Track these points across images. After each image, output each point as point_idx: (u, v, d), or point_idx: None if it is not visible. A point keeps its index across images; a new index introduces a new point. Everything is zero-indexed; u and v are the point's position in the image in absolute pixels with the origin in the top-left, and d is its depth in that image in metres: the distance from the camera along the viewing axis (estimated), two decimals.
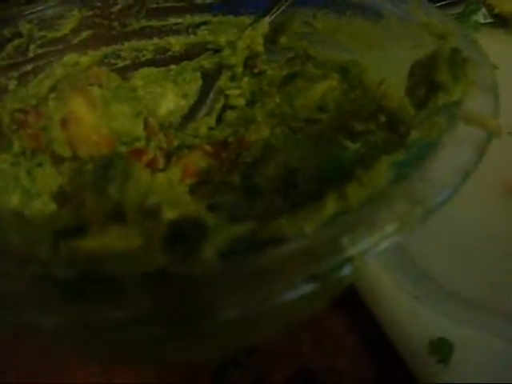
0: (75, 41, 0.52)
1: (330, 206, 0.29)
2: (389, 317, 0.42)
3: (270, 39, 0.51)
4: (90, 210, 0.31)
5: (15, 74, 0.49)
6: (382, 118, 0.37)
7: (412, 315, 0.41)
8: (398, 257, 0.44)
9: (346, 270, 0.27)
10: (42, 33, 0.50)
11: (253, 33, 0.50)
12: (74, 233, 0.30)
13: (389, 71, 0.45)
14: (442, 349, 0.39)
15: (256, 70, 0.51)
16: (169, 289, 0.26)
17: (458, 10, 0.71)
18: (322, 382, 0.41)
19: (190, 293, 0.26)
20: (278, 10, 0.50)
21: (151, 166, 0.42)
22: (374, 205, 0.28)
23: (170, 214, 0.30)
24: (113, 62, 0.53)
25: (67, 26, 0.51)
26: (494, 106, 0.33)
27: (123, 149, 0.43)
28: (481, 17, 0.70)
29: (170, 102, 0.51)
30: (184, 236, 0.29)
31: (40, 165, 0.43)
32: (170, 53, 0.54)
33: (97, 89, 0.44)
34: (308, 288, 0.26)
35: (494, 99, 0.34)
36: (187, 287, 0.26)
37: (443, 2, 0.71)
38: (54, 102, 0.44)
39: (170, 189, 0.36)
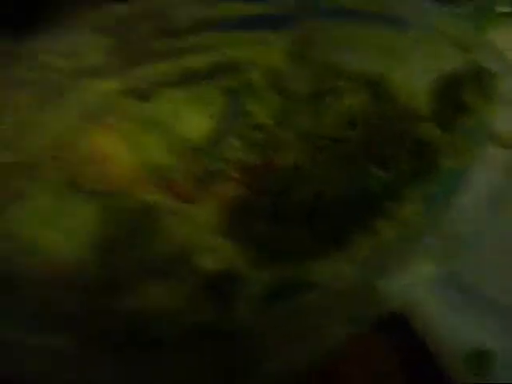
0: (99, 67, 0.52)
1: (364, 245, 0.28)
2: (428, 329, 0.41)
3: (294, 54, 0.51)
4: (126, 267, 0.31)
5: (41, 105, 0.49)
6: (411, 144, 0.36)
7: (452, 327, 0.40)
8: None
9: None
10: (67, 62, 0.50)
11: (275, 48, 0.49)
12: (109, 292, 0.30)
13: (417, 84, 0.44)
14: (483, 361, 0.39)
15: (280, 87, 0.50)
16: (211, 345, 0.26)
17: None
18: None
19: (232, 347, 0.26)
20: (300, 24, 0.50)
21: (183, 196, 0.42)
22: (407, 241, 0.28)
23: (205, 264, 0.30)
24: (135, 85, 0.53)
25: (91, 54, 0.51)
26: None
27: (155, 181, 0.43)
28: (505, 6, 0.68)
29: (195, 123, 0.51)
30: (222, 289, 0.29)
31: (72, 201, 0.43)
32: (191, 72, 0.54)
33: (124, 121, 0.44)
34: (344, 332, 0.26)
35: None
36: (228, 342, 0.26)
37: None
38: (83, 139, 0.44)
39: (200, 227, 0.37)
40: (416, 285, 0.27)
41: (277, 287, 0.28)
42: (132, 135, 0.44)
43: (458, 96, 0.35)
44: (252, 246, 0.34)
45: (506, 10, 0.68)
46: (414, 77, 0.44)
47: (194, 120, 0.51)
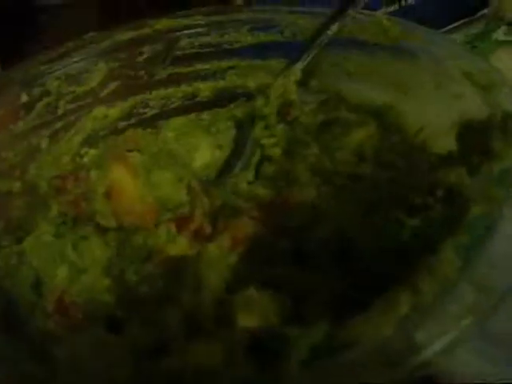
0: (103, 93, 0.51)
1: (404, 302, 0.28)
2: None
3: (301, 82, 0.51)
4: (171, 325, 0.30)
5: (46, 132, 0.48)
6: (441, 193, 0.36)
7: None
8: None
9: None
10: (71, 88, 0.49)
11: (285, 80, 0.49)
12: (155, 353, 0.29)
13: (427, 118, 0.44)
14: None
15: (289, 118, 0.50)
16: None
17: (477, 27, 0.71)
18: None
19: None
20: (309, 55, 0.49)
21: (198, 233, 0.42)
22: (445, 296, 0.28)
23: (246, 322, 0.30)
24: (141, 111, 0.53)
25: (94, 79, 0.50)
26: None
27: (169, 216, 0.43)
28: (501, 34, 0.69)
29: (204, 153, 0.50)
30: (265, 348, 0.29)
31: (85, 237, 0.43)
32: (198, 98, 0.54)
33: (137, 155, 0.44)
34: None
35: None
36: None
37: (463, 21, 0.70)
38: (94, 172, 0.43)
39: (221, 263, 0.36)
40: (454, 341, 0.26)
41: (320, 347, 0.28)
42: (144, 169, 0.43)
43: (484, 141, 0.35)
44: (286, 295, 0.33)
45: (501, 38, 0.69)
46: (425, 109, 0.44)
47: (204, 149, 0.50)
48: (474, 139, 0.37)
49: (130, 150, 0.44)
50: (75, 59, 0.50)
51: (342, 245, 0.38)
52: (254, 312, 0.31)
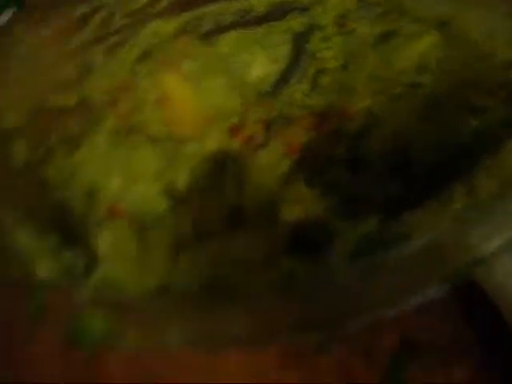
0: (157, 9, 0.50)
1: (459, 200, 0.27)
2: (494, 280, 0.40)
3: None
4: (211, 216, 0.30)
5: (101, 47, 0.47)
6: (503, 93, 0.34)
7: None
8: None
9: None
10: (123, 4, 0.48)
11: None
12: (195, 242, 0.29)
13: (494, 28, 0.42)
14: None
15: (347, 29, 0.48)
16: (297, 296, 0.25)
17: None
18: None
19: (320, 300, 0.25)
20: None
21: (251, 141, 0.41)
22: (504, 196, 0.26)
23: (289, 214, 0.29)
24: (195, 27, 0.52)
25: None
26: None
27: (221, 125, 0.42)
28: None
29: (259, 67, 0.49)
30: (309, 240, 0.28)
31: (136, 147, 0.42)
32: (253, 13, 0.52)
33: (187, 62, 0.43)
34: (437, 292, 0.24)
35: None
36: (316, 294, 0.25)
37: None
38: (146, 81, 0.42)
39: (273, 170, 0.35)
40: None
41: (370, 239, 0.26)
42: (196, 77, 0.42)
43: None
44: (336, 195, 0.32)
45: None
46: (491, 20, 0.42)
47: (259, 63, 0.49)
48: None
49: (180, 57, 0.43)
50: None
51: (399, 148, 0.37)
52: (299, 205, 0.30)
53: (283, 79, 0.48)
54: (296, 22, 0.50)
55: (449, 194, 0.27)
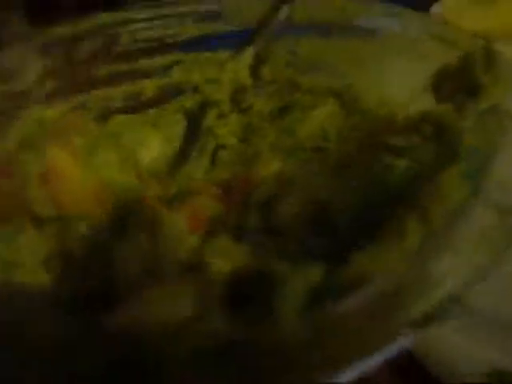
0: (40, 93, 0.46)
1: (413, 231, 0.24)
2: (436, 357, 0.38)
3: (253, 73, 0.47)
4: (122, 269, 0.25)
5: None
6: (428, 129, 0.33)
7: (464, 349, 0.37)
8: None
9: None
10: (3, 87, 0.45)
11: (237, 64, 0.46)
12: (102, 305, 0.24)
13: (391, 87, 0.42)
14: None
15: (244, 105, 0.46)
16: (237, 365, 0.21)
17: None
18: None
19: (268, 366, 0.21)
20: (259, 42, 0.46)
21: (153, 218, 0.37)
22: (456, 222, 0.24)
23: (221, 266, 0.25)
24: (82, 113, 0.48)
25: (30, 77, 0.46)
26: None
27: (116, 202, 0.38)
28: None
29: (153, 149, 0.46)
30: (248, 294, 0.24)
31: (20, 231, 0.37)
32: (143, 97, 0.50)
33: (77, 137, 0.39)
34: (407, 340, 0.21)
35: None
36: (261, 360, 0.21)
37: None
38: (29, 156, 0.38)
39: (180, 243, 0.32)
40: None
41: (319, 289, 0.23)
42: (87, 151, 0.38)
43: (468, 80, 0.32)
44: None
45: None
46: (387, 79, 0.42)
47: (152, 144, 0.46)
48: (454, 80, 0.34)
49: (69, 133, 0.40)
50: (8, 55, 0.45)
51: (317, 210, 0.34)
52: (230, 257, 0.26)
53: (180, 158, 0.45)
54: (188, 101, 0.48)
55: (401, 227, 0.25)
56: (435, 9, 0.63)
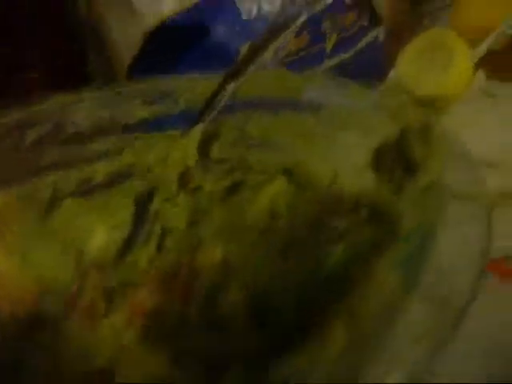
0: None
1: (339, 333, 0.23)
2: None
3: (201, 153, 0.47)
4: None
5: None
6: (364, 212, 0.32)
7: None
8: None
9: None
10: None
11: (185, 144, 0.45)
12: None
13: (339, 162, 0.41)
14: None
15: (192, 186, 0.45)
16: None
17: None
18: None
19: None
20: (206, 121, 0.46)
21: (90, 312, 0.35)
22: (389, 320, 0.22)
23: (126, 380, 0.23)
24: (28, 200, 0.47)
25: None
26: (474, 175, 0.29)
27: (54, 298, 0.36)
28: None
29: (99, 236, 0.44)
30: None
31: None
32: (93, 182, 0.48)
33: (11, 233, 0.38)
34: None
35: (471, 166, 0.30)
36: None
37: None
38: None
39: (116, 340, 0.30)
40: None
41: None
42: (22, 247, 0.37)
43: (405, 156, 0.32)
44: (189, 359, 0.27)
45: None
46: (335, 154, 0.41)
47: (98, 233, 0.44)
48: (392, 156, 0.33)
49: (2, 230, 0.38)
50: None
51: (259, 297, 0.33)
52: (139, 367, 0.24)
53: (126, 246, 0.44)
54: (137, 185, 0.46)
55: (327, 330, 0.23)
56: (391, 74, 0.63)
